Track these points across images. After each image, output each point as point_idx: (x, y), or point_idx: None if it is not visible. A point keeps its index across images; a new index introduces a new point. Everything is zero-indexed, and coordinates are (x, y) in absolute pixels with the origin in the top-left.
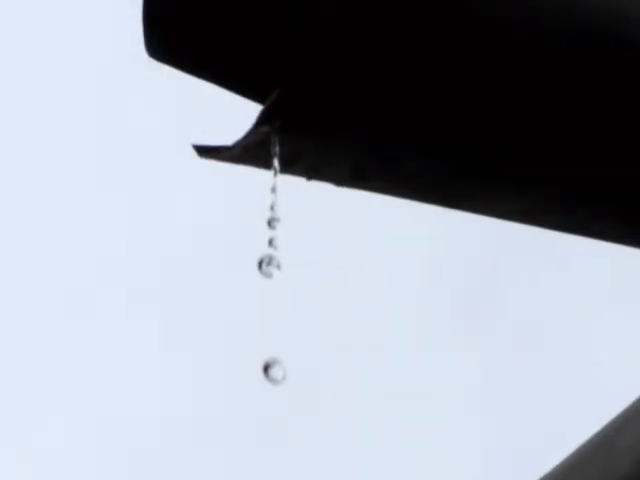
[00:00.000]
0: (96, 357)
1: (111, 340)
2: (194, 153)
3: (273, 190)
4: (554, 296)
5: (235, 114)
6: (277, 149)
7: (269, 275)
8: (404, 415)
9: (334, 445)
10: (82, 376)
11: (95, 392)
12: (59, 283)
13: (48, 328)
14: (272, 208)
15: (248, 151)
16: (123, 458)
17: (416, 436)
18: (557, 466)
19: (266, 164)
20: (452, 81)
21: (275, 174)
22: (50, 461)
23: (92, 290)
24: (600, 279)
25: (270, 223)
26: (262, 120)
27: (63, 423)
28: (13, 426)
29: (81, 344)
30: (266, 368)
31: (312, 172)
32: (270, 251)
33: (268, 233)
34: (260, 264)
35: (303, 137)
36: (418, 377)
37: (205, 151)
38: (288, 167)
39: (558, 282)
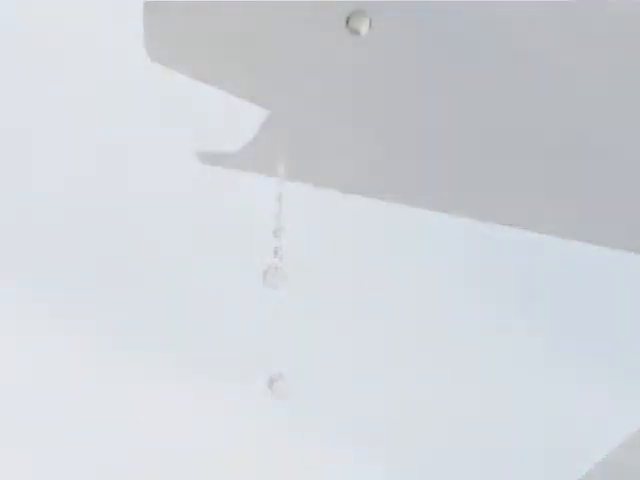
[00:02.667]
0: (94, 362)
1: (111, 344)
2: (199, 160)
3: (279, 199)
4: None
5: (240, 120)
6: (284, 156)
7: (274, 286)
8: (408, 424)
9: (338, 458)
10: (80, 382)
11: (92, 398)
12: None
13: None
14: (278, 217)
15: (254, 158)
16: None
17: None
18: None
19: (272, 172)
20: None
21: (281, 182)
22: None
23: (93, 293)
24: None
25: (275, 233)
26: (269, 126)
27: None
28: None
29: (80, 354)
30: (271, 383)
31: (317, 178)
32: (275, 261)
33: (273, 243)
34: (265, 275)
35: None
36: (422, 391)
37: (210, 158)
38: (294, 174)
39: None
